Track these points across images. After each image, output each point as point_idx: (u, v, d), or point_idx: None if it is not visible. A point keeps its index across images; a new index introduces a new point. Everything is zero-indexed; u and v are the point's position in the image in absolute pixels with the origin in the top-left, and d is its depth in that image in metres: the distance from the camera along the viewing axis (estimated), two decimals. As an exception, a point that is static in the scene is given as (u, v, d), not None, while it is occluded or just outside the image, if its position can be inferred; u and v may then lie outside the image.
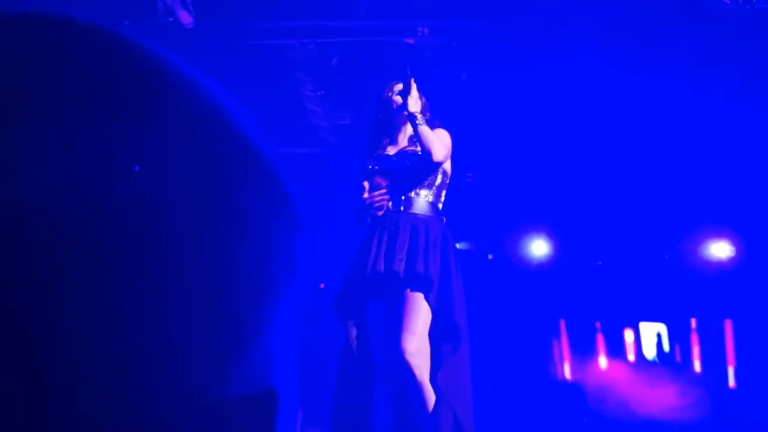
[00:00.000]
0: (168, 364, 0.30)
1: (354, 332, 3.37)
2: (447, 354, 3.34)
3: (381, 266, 3.26)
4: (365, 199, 3.43)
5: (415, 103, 3.42)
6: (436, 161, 3.37)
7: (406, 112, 3.44)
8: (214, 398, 0.32)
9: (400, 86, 3.53)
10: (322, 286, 6.19)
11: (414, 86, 3.44)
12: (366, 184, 3.46)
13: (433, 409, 3.18)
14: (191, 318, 0.31)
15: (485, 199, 6.19)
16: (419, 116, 3.40)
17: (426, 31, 5.31)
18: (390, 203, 3.42)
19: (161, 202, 0.31)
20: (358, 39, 5.46)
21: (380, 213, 3.41)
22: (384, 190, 3.41)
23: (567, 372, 6.45)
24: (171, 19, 5.03)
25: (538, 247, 6.35)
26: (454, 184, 3.65)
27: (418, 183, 3.45)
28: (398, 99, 3.52)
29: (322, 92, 5.91)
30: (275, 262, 0.35)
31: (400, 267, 3.25)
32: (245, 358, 0.33)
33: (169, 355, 0.30)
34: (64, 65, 0.32)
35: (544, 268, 6.32)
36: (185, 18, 5.03)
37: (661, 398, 5.98)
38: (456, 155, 3.57)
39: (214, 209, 0.33)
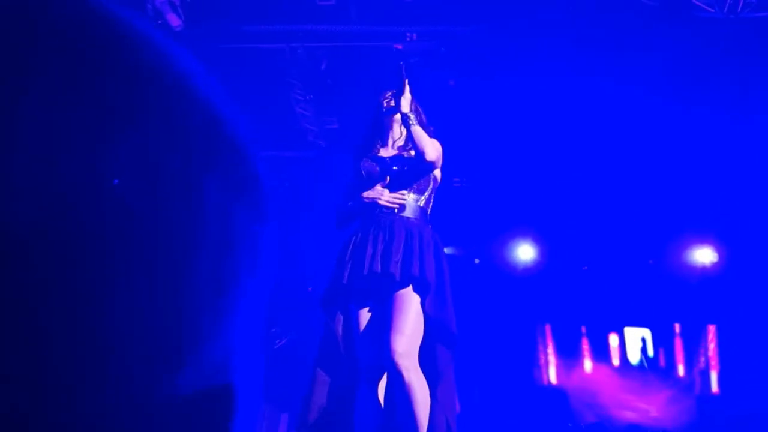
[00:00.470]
0: (116, 360, 0.28)
1: (340, 331, 3.37)
2: (446, 362, 3.35)
3: (378, 266, 3.27)
4: (378, 199, 3.41)
5: (408, 104, 3.45)
6: (428, 161, 3.39)
7: (399, 114, 3.47)
8: (166, 395, 0.30)
9: (394, 91, 3.56)
10: (310, 289, 6.20)
11: (407, 88, 3.46)
12: (379, 186, 3.46)
13: (429, 414, 3.20)
14: (142, 310, 0.29)
15: (472, 203, 6.22)
16: (412, 116, 3.43)
17: (414, 36, 5.34)
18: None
19: (106, 180, 0.29)
20: (347, 44, 5.48)
21: (395, 209, 3.41)
22: (404, 192, 3.43)
23: (552, 376, 6.48)
24: (160, 22, 5.04)
25: (525, 252, 6.39)
26: (441, 188, 3.68)
27: (412, 187, 3.47)
28: (392, 103, 3.55)
29: (311, 96, 5.93)
30: (237, 250, 0.33)
31: (397, 269, 3.25)
32: (201, 353, 0.31)
33: (118, 350, 0.28)
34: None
35: (530, 273, 6.36)
36: (174, 21, 5.04)
37: (645, 402, 6.03)
38: (443, 160, 3.59)
39: (169, 188, 0.31)
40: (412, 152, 3.49)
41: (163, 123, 0.32)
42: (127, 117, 0.31)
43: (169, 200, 0.31)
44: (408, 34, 5.33)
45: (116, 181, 0.29)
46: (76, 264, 0.28)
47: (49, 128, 0.28)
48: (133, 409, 0.29)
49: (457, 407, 3.39)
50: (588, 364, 6.46)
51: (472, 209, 6.21)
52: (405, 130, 3.51)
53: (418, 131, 3.40)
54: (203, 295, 0.31)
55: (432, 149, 3.39)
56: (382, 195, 3.41)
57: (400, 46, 5.41)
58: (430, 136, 3.47)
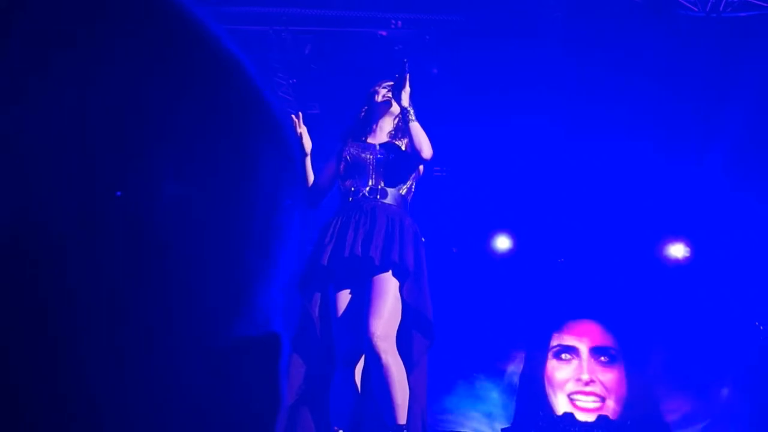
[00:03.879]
0: (184, 312, 0.33)
1: (317, 314, 3.39)
2: (420, 353, 3.39)
3: (359, 250, 3.29)
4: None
5: (408, 98, 3.47)
6: (424, 158, 3.43)
7: (399, 106, 3.49)
8: (228, 339, 0.34)
9: (391, 82, 3.58)
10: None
11: (408, 83, 3.48)
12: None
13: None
14: (208, 265, 0.33)
15: (452, 192, 6.24)
16: (412, 111, 3.46)
17: (399, 23, 5.34)
18: (367, 190, 3.45)
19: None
20: (331, 29, 5.47)
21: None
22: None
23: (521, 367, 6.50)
24: None
25: (502, 242, 6.43)
26: (421, 176, 3.70)
27: (396, 176, 3.49)
28: (389, 94, 3.57)
29: (294, 80, 5.91)
30: (282, 217, 0.37)
31: (377, 253, 3.28)
32: (254, 304, 0.36)
33: (185, 304, 0.33)
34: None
35: (506, 263, 6.41)
36: None
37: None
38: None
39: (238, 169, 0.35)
40: (402, 142, 3.52)
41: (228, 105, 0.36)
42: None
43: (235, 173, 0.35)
44: (393, 21, 5.33)
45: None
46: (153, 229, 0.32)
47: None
48: (203, 353, 0.33)
49: (425, 398, 3.43)
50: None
51: (452, 198, 6.24)
52: (397, 120, 3.54)
53: (417, 128, 3.43)
54: (256, 254, 0.36)
55: (428, 148, 3.42)
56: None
57: (384, 33, 5.40)
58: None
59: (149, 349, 0.32)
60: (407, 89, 3.47)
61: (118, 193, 0.31)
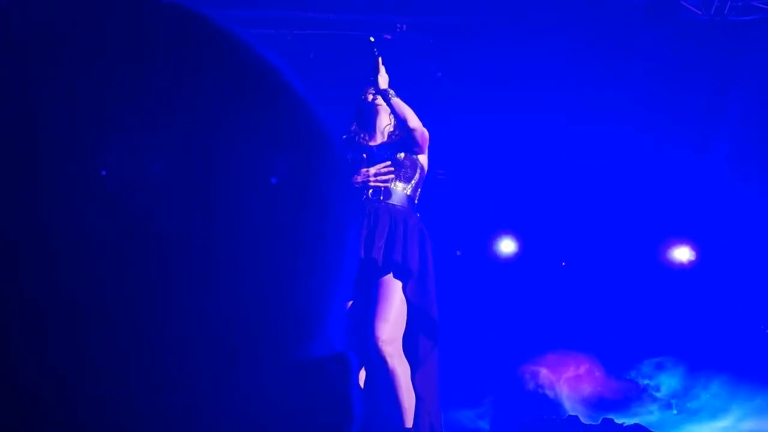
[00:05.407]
0: (264, 329, 0.34)
1: None
2: (426, 353, 3.37)
3: (362, 252, 3.28)
4: (367, 179, 3.43)
5: (385, 82, 3.50)
6: (412, 128, 3.42)
7: (378, 92, 3.51)
8: (302, 361, 0.35)
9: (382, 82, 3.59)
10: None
11: (382, 66, 3.51)
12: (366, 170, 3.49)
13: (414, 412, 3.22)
14: (287, 286, 0.34)
15: (456, 195, 6.25)
16: (391, 91, 3.48)
17: (404, 27, 5.35)
18: (370, 192, 3.45)
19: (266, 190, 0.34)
20: (336, 32, 5.47)
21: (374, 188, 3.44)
22: (391, 167, 3.46)
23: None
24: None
25: (506, 245, 6.43)
26: (424, 180, 3.70)
27: (398, 175, 3.49)
28: (370, 97, 3.58)
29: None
30: (345, 236, 0.38)
31: (379, 255, 3.27)
32: (324, 323, 0.37)
33: (269, 322, 0.34)
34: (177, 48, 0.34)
35: (510, 266, 6.40)
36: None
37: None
38: (429, 150, 3.62)
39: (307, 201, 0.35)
40: (398, 137, 3.52)
41: (305, 149, 0.37)
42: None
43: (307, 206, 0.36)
44: (398, 25, 5.34)
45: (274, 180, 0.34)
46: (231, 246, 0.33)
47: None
48: (281, 374, 0.35)
49: (439, 405, 3.40)
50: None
51: (456, 201, 6.24)
52: (393, 119, 3.53)
53: (398, 102, 3.46)
54: (324, 275, 0.37)
55: (414, 118, 3.44)
56: (369, 174, 3.43)
57: (389, 36, 5.41)
58: (424, 130, 3.50)
59: (227, 370, 0.33)
60: (383, 74, 3.51)
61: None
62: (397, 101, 3.47)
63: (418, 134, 3.44)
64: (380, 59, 3.52)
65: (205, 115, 0.33)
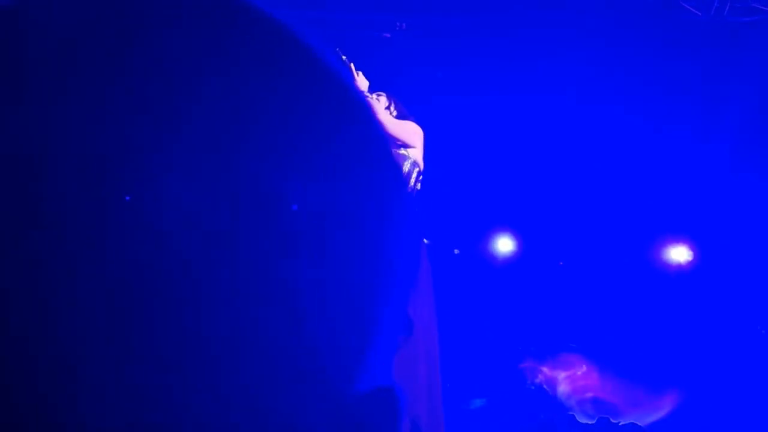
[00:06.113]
0: (311, 366, 0.33)
1: None
2: (422, 353, 3.36)
3: None
4: None
5: (363, 87, 3.50)
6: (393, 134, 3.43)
7: None
8: (351, 395, 0.35)
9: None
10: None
11: (357, 71, 3.51)
12: None
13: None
14: (336, 325, 0.34)
15: (454, 194, 6.24)
16: (372, 95, 3.48)
17: (404, 26, 5.34)
18: None
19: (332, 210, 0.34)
20: (335, 32, 5.46)
21: None
22: None
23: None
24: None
25: (504, 244, 6.43)
26: (422, 179, 3.69)
27: None
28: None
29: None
30: (397, 269, 0.38)
31: None
32: (371, 357, 0.36)
33: (314, 356, 0.34)
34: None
35: (508, 265, 6.40)
36: None
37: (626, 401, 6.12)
38: (426, 149, 3.61)
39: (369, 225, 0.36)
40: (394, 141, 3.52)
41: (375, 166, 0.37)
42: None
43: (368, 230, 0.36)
44: (397, 24, 5.33)
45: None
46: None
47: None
48: (329, 405, 0.34)
49: (440, 408, 3.39)
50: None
51: (454, 200, 6.24)
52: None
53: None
54: (379, 306, 0.36)
55: (388, 118, 3.44)
56: None
57: (388, 35, 5.41)
58: (412, 125, 3.49)
59: (275, 397, 0.33)
60: (356, 76, 3.50)
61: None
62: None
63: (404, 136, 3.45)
64: (352, 66, 3.50)
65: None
